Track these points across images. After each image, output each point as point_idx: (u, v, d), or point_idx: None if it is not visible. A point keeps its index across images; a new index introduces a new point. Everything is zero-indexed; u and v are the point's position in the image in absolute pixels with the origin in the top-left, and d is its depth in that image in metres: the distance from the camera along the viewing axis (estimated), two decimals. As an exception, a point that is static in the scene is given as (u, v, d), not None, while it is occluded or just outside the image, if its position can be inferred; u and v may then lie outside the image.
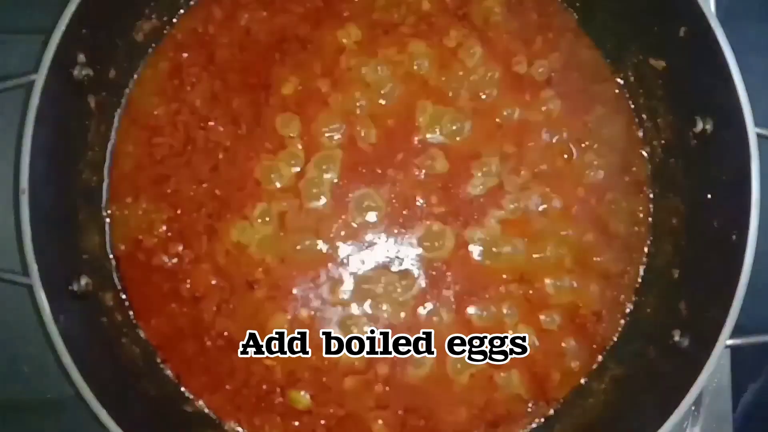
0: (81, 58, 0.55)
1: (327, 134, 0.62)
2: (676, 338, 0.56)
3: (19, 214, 0.51)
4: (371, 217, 0.62)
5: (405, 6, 0.64)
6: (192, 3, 0.65)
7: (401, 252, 0.61)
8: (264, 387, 0.60)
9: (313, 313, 0.60)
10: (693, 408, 0.63)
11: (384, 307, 0.60)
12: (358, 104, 0.63)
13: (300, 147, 0.62)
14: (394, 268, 0.61)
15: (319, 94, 0.63)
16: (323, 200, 0.62)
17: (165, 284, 0.61)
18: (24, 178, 0.51)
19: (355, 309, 0.60)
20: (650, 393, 0.56)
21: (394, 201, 0.62)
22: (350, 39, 0.63)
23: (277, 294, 0.60)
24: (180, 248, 0.61)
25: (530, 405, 0.61)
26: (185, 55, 0.64)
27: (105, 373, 0.54)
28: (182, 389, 0.61)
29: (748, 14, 0.68)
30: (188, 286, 0.61)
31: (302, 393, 0.60)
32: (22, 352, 0.65)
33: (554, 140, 0.63)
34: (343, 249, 0.61)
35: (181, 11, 0.65)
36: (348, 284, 0.61)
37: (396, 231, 0.61)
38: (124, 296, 0.61)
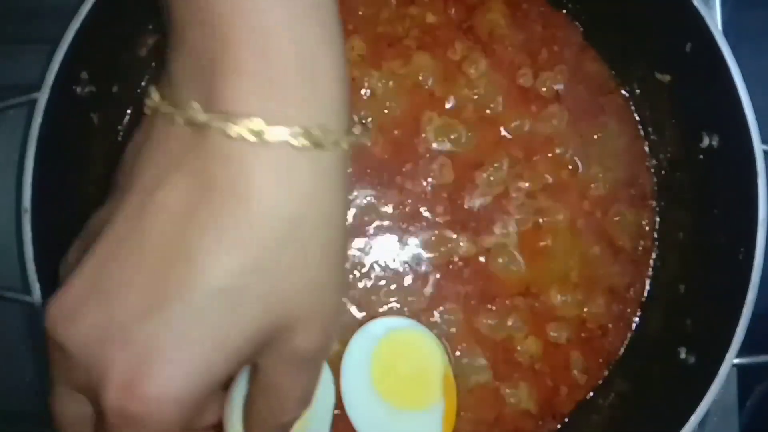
0: (84, 75, 0.55)
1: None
2: (682, 356, 0.55)
3: (21, 234, 0.51)
4: (376, 226, 0.61)
5: (409, 19, 0.63)
6: (195, 16, 0.65)
7: (407, 263, 0.61)
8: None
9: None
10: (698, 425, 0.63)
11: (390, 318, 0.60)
12: (362, 113, 0.62)
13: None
14: (401, 279, 0.61)
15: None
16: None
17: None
18: (26, 197, 0.51)
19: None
20: (656, 411, 0.56)
21: (400, 210, 0.61)
22: (354, 52, 0.63)
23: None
24: (181, 264, 0.61)
25: (538, 421, 0.61)
26: (188, 69, 0.64)
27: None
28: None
29: (756, 30, 0.67)
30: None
31: None
32: (22, 371, 0.64)
33: (559, 153, 0.63)
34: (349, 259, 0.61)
35: (184, 24, 0.64)
36: (354, 294, 0.60)
37: (401, 241, 0.61)
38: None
